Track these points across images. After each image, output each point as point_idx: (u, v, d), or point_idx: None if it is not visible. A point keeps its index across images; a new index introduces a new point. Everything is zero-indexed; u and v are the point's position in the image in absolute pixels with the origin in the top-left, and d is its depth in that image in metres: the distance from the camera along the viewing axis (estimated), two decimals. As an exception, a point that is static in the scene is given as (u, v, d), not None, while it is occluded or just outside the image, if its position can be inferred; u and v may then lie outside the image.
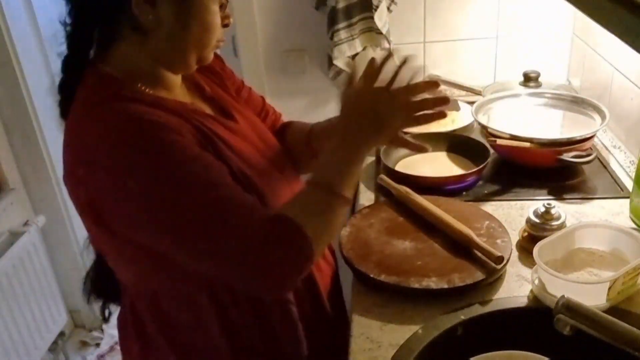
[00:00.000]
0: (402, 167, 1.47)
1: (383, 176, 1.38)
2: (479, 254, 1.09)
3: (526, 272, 1.09)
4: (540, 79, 1.79)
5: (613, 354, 0.80)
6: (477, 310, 1.00)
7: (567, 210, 1.20)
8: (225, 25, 0.91)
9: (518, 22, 1.90)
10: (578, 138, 1.38)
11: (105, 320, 1.12)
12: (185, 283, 0.92)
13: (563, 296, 0.80)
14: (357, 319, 1.02)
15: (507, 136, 1.42)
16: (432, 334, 0.95)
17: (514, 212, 1.29)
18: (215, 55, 1.02)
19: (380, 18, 1.79)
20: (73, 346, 2.39)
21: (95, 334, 2.43)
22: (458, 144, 1.53)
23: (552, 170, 1.42)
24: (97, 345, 2.40)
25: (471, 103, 1.65)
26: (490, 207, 1.30)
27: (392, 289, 1.05)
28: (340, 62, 1.87)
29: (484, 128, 1.50)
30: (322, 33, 1.87)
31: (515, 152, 1.43)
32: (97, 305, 1.09)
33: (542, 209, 1.15)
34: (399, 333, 0.97)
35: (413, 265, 1.08)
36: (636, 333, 0.77)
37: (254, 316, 0.96)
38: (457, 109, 1.78)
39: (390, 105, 0.92)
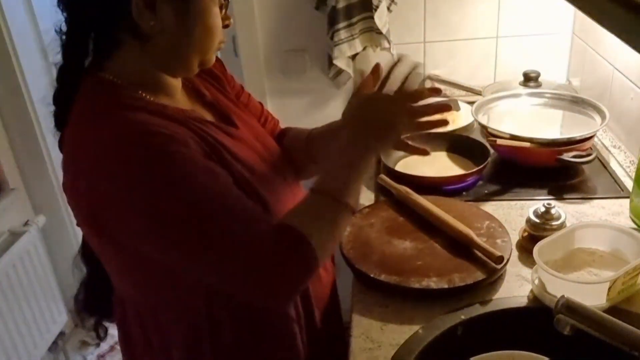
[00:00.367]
0: (402, 167, 1.47)
1: (383, 176, 1.38)
2: (479, 254, 1.09)
3: (526, 272, 1.09)
4: (540, 79, 1.79)
5: (613, 354, 0.80)
6: (477, 310, 1.00)
7: (567, 210, 1.20)
8: (225, 26, 0.90)
9: (518, 22, 1.90)
10: (578, 138, 1.38)
11: (101, 339, 1.09)
12: (185, 296, 0.91)
13: (563, 296, 0.80)
14: (357, 319, 1.02)
15: (507, 136, 1.42)
16: (432, 334, 0.95)
17: (514, 212, 1.29)
18: (217, 59, 1.01)
19: (380, 18, 1.79)
20: (73, 346, 2.39)
21: (95, 334, 2.43)
22: (458, 144, 1.53)
23: (552, 170, 1.42)
24: (97, 345, 2.40)
25: (471, 103, 1.65)
26: (490, 207, 1.30)
27: (392, 289, 1.05)
28: (340, 62, 1.87)
29: (484, 128, 1.50)
30: (322, 33, 1.87)
31: (515, 152, 1.43)
32: (89, 324, 1.06)
33: (542, 209, 1.15)
34: (399, 333, 0.97)
35: (413, 265, 1.08)
36: (636, 333, 0.77)
37: (249, 332, 0.95)
38: (457, 109, 1.79)
39: (395, 112, 0.92)
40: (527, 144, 1.39)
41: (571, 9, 1.81)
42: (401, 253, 1.13)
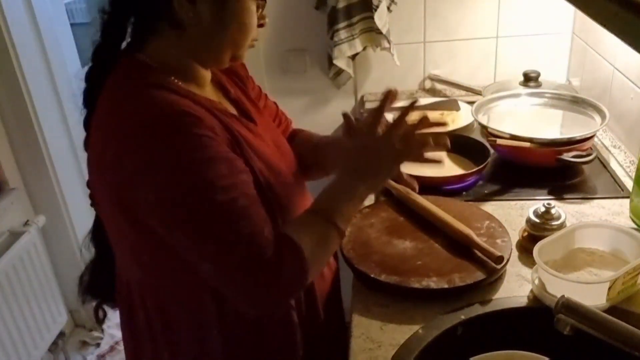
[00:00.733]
0: (402, 167, 1.47)
1: (383, 176, 1.38)
2: (479, 254, 1.09)
3: (526, 272, 1.09)
4: (540, 79, 1.79)
5: (613, 354, 0.80)
6: (477, 310, 1.00)
7: (567, 210, 1.20)
8: (260, 26, 0.92)
9: (518, 21, 1.90)
10: (578, 138, 1.38)
11: (100, 321, 1.11)
12: (193, 282, 0.91)
13: (563, 296, 0.80)
14: (357, 319, 1.02)
15: (507, 136, 1.42)
16: (432, 334, 0.95)
17: (514, 212, 1.29)
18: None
19: (380, 18, 1.79)
20: (73, 346, 2.39)
21: (95, 334, 2.43)
22: (458, 144, 1.52)
23: (552, 170, 1.42)
24: (97, 345, 2.40)
25: (471, 103, 1.65)
26: (490, 207, 1.30)
27: (392, 289, 1.05)
28: (340, 62, 1.87)
29: (484, 128, 1.50)
30: (322, 33, 1.87)
31: (515, 152, 1.43)
32: (91, 306, 1.09)
33: (542, 209, 1.15)
34: (399, 333, 0.97)
35: (413, 265, 1.08)
36: (636, 333, 0.77)
37: (253, 322, 0.96)
38: (457, 109, 1.79)
39: (385, 156, 0.94)
40: (527, 144, 1.39)
41: (571, 9, 1.81)
42: (401, 253, 1.13)
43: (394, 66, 1.90)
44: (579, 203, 1.31)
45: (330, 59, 1.88)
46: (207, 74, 0.95)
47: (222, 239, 0.81)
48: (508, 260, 1.08)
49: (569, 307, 0.78)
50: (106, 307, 1.09)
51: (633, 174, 1.27)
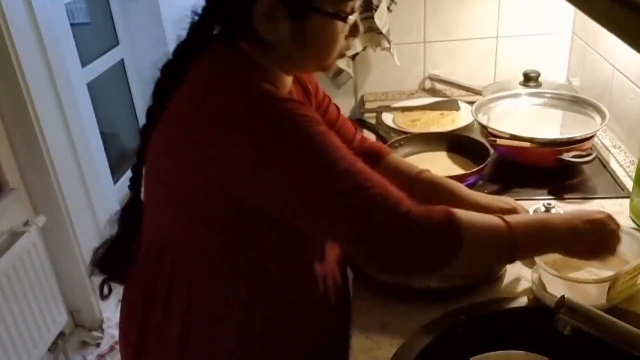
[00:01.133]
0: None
1: (383, 176, 1.38)
2: (479, 254, 1.08)
3: (526, 272, 1.09)
4: (540, 79, 1.79)
5: (613, 354, 0.80)
6: (477, 310, 1.00)
7: (567, 210, 1.20)
8: (352, 36, 0.91)
9: (518, 21, 1.90)
10: (578, 138, 1.38)
11: (103, 297, 1.09)
12: (232, 285, 0.92)
13: (563, 296, 0.80)
14: (357, 319, 1.02)
15: (507, 136, 1.42)
16: (432, 334, 0.95)
17: (514, 212, 1.29)
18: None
19: (381, 18, 1.79)
20: (73, 346, 2.39)
21: (96, 333, 2.43)
22: (458, 144, 1.53)
23: (552, 170, 1.42)
24: (97, 345, 2.40)
25: (471, 103, 1.65)
26: (490, 207, 1.30)
27: (392, 289, 1.05)
28: (340, 62, 1.87)
29: (484, 128, 1.50)
30: (322, 33, 1.87)
31: (515, 152, 1.43)
32: (91, 306, 1.07)
33: (542, 209, 1.15)
34: (399, 333, 0.97)
35: (413, 265, 1.08)
36: (636, 333, 0.77)
37: (269, 323, 0.95)
38: (457, 109, 1.79)
39: (611, 244, 0.96)
40: (527, 144, 1.39)
41: (571, 9, 1.81)
42: (401, 253, 1.12)
43: (394, 66, 1.90)
44: (579, 203, 1.31)
45: (330, 59, 1.88)
46: (288, 79, 0.96)
47: (362, 207, 0.81)
48: (508, 260, 1.08)
49: (569, 307, 0.78)
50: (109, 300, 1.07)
51: (633, 174, 1.27)
